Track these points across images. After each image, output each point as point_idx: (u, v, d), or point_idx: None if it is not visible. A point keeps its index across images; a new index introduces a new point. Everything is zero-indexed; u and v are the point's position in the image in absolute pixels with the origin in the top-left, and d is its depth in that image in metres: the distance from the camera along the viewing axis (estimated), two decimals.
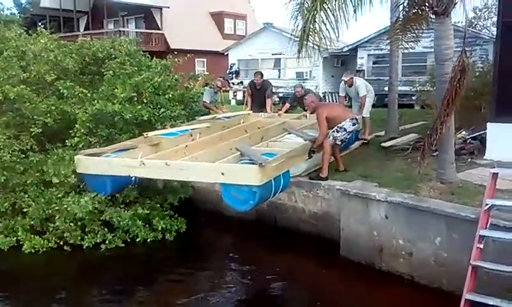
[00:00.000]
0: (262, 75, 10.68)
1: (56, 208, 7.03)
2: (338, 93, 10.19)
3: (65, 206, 6.82)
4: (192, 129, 8.30)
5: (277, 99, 17.32)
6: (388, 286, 5.71)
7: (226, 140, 7.81)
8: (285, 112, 9.97)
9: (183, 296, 5.67)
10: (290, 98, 10.65)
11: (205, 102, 10.08)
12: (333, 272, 6.20)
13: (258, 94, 10.41)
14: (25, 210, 7.20)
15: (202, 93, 9.98)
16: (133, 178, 6.90)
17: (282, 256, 6.61)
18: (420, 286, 5.55)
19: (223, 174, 5.80)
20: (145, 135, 7.71)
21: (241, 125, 8.94)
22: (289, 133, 7.84)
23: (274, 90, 12.39)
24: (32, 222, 7.12)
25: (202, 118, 9.27)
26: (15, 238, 7.06)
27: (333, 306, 5.53)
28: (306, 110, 8.92)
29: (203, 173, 6.09)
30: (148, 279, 6.12)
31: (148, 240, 7.20)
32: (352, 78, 9.65)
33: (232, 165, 5.92)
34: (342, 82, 9.79)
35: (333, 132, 7.22)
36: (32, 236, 7.05)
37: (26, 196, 7.25)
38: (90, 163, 6.80)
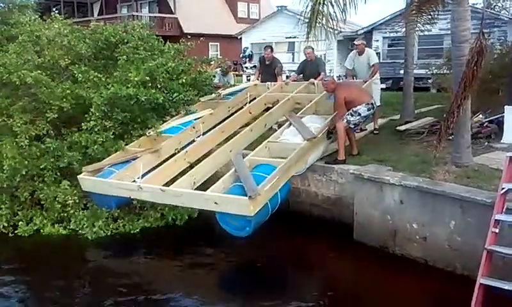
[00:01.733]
0: (272, 49, 10.37)
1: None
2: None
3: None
4: (195, 119, 8.29)
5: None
6: (401, 270, 5.70)
7: (228, 131, 8.02)
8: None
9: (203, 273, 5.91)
10: (299, 65, 10.12)
11: (216, 82, 10.11)
12: (347, 256, 6.20)
13: (268, 70, 10.01)
14: (42, 202, 7.33)
15: (214, 76, 9.90)
16: None
17: (295, 240, 6.62)
18: (434, 269, 5.53)
19: (216, 203, 5.84)
20: (148, 134, 7.85)
21: (246, 106, 8.78)
22: (290, 126, 7.49)
23: (287, 74, 12.28)
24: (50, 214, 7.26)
25: (206, 98, 9.13)
26: (36, 227, 7.19)
27: (346, 290, 5.56)
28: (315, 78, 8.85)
29: (197, 200, 6.13)
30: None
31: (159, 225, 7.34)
32: (363, 43, 8.97)
33: (224, 197, 5.85)
34: (351, 53, 9.12)
35: (348, 115, 7.16)
36: (51, 225, 7.21)
37: (44, 187, 7.34)
38: (93, 183, 7.04)
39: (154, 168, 7.24)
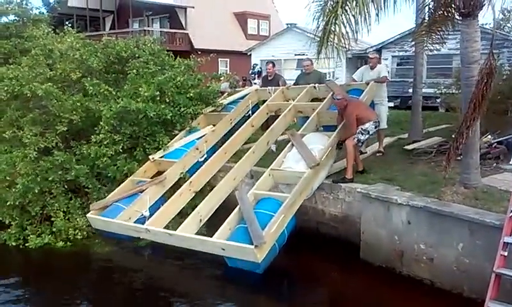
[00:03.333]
0: (274, 64, 10.28)
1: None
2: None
3: None
4: (198, 138, 8.31)
5: None
6: (408, 290, 5.64)
7: (231, 151, 8.20)
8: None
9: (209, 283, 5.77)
10: (298, 76, 9.80)
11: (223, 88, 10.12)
12: (353, 276, 6.15)
13: (270, 86, 9.65)
14: (52, 219, 7.36)
15: (219, 90, 9.75)
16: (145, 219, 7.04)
17: (301, 258, 6.57)
18: (440, 291, 5.47)
19: (223, 249, 5.90)
20: (152, 159, 7.95)
21: (248, 121, 8.75)
22: (292, 147, 7.34)
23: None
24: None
25: (208, 110, 9.09)
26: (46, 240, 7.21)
27: None
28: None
29: (204, 245, 6.13)
30: None
31: None
32: (377, 57, 8.81)
33: (230, 244, 5.85)
34: (363, 66, 9.00)
35: (358, 133, 7.21)
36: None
37: (56, 203, 7.41)
38: (103, 223, 7.15)
39: (162, 196, 7.43)
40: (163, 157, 8.07)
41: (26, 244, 7.08)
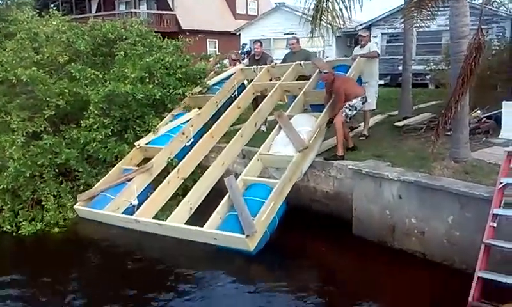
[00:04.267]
0: (261, 43, 9.96)
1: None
2: None
3: None
4: (184, 122, 8.20)
5: None
6: (400, 263, 5.72)
7: (218, 135, 8.13)
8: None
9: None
10: (285, 55, 9.54)
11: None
12: (345, 251, 6.22)
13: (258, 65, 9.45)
14: (43, 203, 7.32)
15: (204, 69, 9.44)
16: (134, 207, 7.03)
17: (293, 236, 6.61)
18: (432, 263, 5.56)
19: (215, 238, 5.86)
20: (137, 146, 7.85)
21: (235, 102, 8.64)
22: (280, 130, 7.23)
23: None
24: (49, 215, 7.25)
25: (194, 91, 8.94)
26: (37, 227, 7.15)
27: (345, 282, 5.58)
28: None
29: (195, 235, 6.07)
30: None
31: None
32: (368, 36, 8.55)
33: (222, 234, 5.80)
34: (355, 49, 8.69)
35: (346, 109, 7.19)
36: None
37: (46, 187, 7.36)
38: (91, 214, 7.10)
39: (150, 184, 7.40)
40: (149, 143, 7.97)
41: (19, 231, 7.03)
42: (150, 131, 8.12)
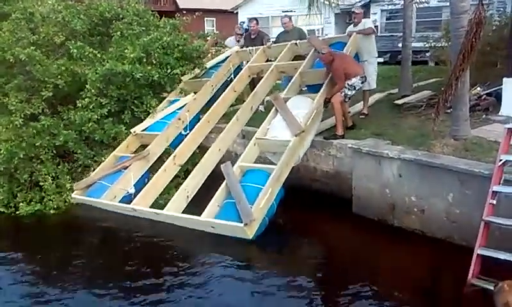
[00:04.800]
0: (257, 21, 9.74)
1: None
2: None
3: None
4: (179, 108, 8.10)
5: None
6: (400, 241, 5.75)
7: (214, 120, 8.06)
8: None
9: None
10: (278, 34, 9.49)
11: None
12: (345, 229, 6.25)
13: (254, 45, 9.34)
14: (41, 183, 7.29)
15: (200, 47, 9.40)
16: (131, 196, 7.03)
17: (294, 215, 6.65)
18: (432, 241, 5.59)
19: (213, 227, 5.82)
20: (133, 133, 7.78)
21: (230, 86, 8.57)
22: (276, 113, 7.13)
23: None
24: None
25: (189, 77, 8.88)
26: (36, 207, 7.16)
27: (345, 259, 5.62)
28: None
29: (193, 224, 6.03)
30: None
31: None
32: (361, 13, 8.42)
33: (220, 223, 5.76)
34: (348, 28, 8.62)
35: (345, 89, 7.12)
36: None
37: (43, 168, 7.32)
38: (87, 202, 7.08)
39: (147, 172, 7.38)
40: (145, 130, 7.91)
41: (17, 212, 7.05)
42: (147, 112, 8.08)
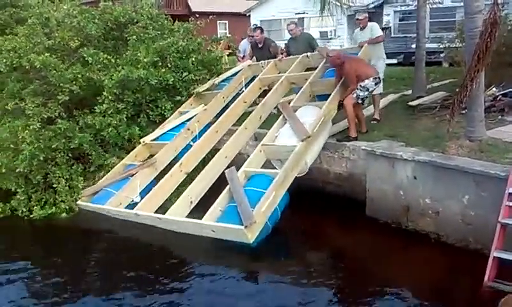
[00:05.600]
0: (262, 29, 9.44)
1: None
2: None
3: None
4: (189, 118, 8.03)
5: None
6: (414, 244, 5.72)
7: (223, 130, 7.93)
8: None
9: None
10: (287, 42, 9.24)
11: (239, 55, 9.77)
12: (359, 232, 6.23)
13: (262, 53, 9.21)
14: (54, 185, 7.39)
15: (221, 56, 9.44)
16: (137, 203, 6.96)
17: (307, 218, 6.65)
18: (447, 244, 5.55)
19: (213, 231, 5.67)
20: (142, 143, 7.76)
21: (240, 96, 8.46)
22: (285, 121, 7.01)
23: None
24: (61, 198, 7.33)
25: (202, 88, 8.80)
26: (50, 211, 7.26)
27: (359, 262, 5.59)
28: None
29: (194, 228, 5.90)
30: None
31: None
32: (367, 17, 8.20)
33: (220, 226, 5.61)
34: (355, 31, 8.48)
35: (357, 90, 7.03)
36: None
37: (57, 170, 7.41)
38: (93, 208, 7.08)
39: (154, 180, 7.31)
40: (155, 140, 7.87)
41: (31, 215, 7.16)
42: (162, 115, 8.14)
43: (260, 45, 9.24)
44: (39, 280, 5.54)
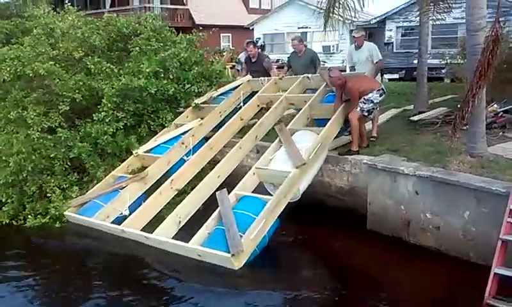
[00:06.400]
0: (254, 44, 9.35)
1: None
2: None
3: None
4: (184, 132, 7.90)
5: None
6: (415, 259, 5.70)
7: (217, 147, 7.73)
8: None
9: None
10: (289, 57, 9.19)
11: (238, 70, 9.77)
12: (360, 246, 6.19)
13: (256, 68, 9.10)
14: (49, 195, 7.30)
15: (225, 68, 9.43)
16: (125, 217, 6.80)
17: (308, 231, 6.62)
18: (447, 259, 5.53)
19: (199, 255, 5.53)
20: (135, 154, 7.62)
21: (237, 114, 8.25)
22: (280, 145, 6.87)
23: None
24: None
25: (200, 100, 8.62)
26: (43, 220, 7.15)
27: (360, 276, 5.56)
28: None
29: (180, 250, 5.74)
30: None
31: None
32: (363, 35, 8.08)
33: (206, 251, 5.46)
34: (349, 48, 8.44)
35: (360, 102, 7.03)
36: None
37: (52, 180, 7.35)
38: (79, 220, 6.89)
39: (144, 194, 7.12)
40: (148, 151, 7.72)
41: (24, 224, 7.08)
42: (163, 125, 8.16)
43: (253, 60, 9.17)
44: (27, 291, 5.47)
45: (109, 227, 6.51)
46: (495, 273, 4.55)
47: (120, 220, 6.67)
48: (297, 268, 5.90)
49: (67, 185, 7.43)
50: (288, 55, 9.34)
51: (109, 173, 7.56)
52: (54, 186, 7.32)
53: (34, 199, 7.41)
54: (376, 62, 7.97)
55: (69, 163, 7.58)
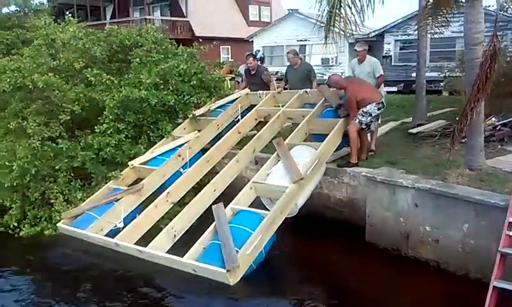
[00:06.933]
0: (254, 56, 9.39)
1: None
2: None
3: None
4: (181, 144, 7.87)
5: None
6: (414, 271, 5.69)
7: (214, 160, 7.69)
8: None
9: None
10: (286, 70, 9.17)
11: (237, 82, 9.79)
12: (359, 258, 6.18)
13: (255, 81, 9.13)
14: (52, 201, 7.31)
15: (224, 79, 9.45)
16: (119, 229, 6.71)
17: (306, 242, 6.63)
18: (446, 272, 5.52)
19: (194, 270, 5.45)
20: (131, 166, 7.59)
21: (235, 127, 8.22)
22: (278, 160, 6.84)
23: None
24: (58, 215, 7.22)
25: (198, 112, 8.65)
26: (40, 228, 7.18)
27: (358, 290, 5.54)
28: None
29: (175, 264, 5.66)
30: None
31: None
32: (366, 50, 8.08)
33: (201, 266, 5.38)
34: (352, 61, 8.47)
35: (359, 115, 7.03)
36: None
37: (55, 187, 7.37)
38: (72, 232, 6.81)
39: (139, 206, 7.06)
40: (144, 163, 7.68)
41: (21, 233, 7.11)
42: (163, 136, 8.17)
43: (252, 72, 9.20)
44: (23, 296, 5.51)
45: (103, 240, 6.42)
46: (494, 286, 4.53)
47: (114, 232, 6.58)
48: (294, 281, 5.89)
49: (71, 192, 7.42)
50: (286, 69, 9.37)
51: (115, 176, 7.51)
52: (57, 192, 7.33)
53: (36, 206, 7.42)
54: (378, 77, 7.94)
55: (72, 173, 7.58)
